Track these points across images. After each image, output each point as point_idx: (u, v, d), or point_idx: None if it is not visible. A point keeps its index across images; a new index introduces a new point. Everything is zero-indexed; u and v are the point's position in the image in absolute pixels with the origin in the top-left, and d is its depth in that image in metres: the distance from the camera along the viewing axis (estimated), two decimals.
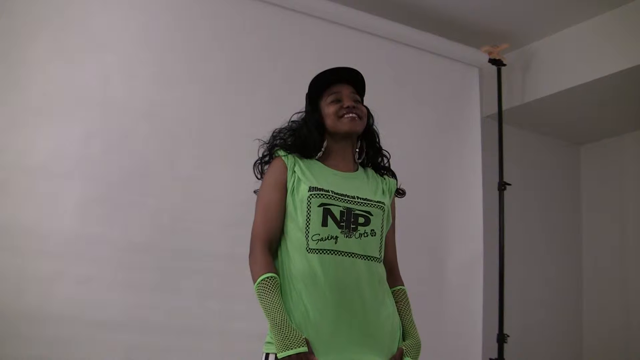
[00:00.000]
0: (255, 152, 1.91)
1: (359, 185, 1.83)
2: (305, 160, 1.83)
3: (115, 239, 2.53)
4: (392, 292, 1.83)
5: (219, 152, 2.80)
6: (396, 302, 1.82)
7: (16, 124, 2.47)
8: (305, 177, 1.77)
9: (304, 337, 1.60)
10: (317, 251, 1.68)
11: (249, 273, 1.71)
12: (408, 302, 1.85)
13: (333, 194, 1.74)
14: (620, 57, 3.42)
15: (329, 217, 1.71)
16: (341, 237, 1.70)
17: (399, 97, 3.35)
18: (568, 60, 3.71)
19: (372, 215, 1.76)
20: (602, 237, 4.38)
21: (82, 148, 2.55)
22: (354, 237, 1.72)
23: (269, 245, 1.73)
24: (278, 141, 1.88)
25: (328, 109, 1.84)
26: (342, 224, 1.71)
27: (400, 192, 1.94)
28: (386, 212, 1.81)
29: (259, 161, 1.90)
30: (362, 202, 1.76)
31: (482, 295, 3.33)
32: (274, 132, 1.90)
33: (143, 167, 2.64)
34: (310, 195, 1.72)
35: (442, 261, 3.34)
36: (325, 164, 1.85)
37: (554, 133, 4.45)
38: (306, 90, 1.92)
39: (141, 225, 2.59)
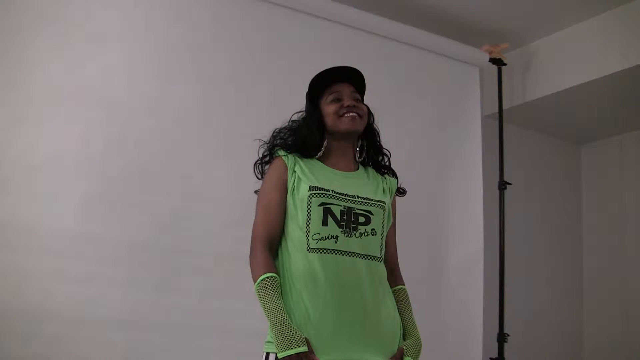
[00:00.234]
0: (256, 150, 1.91)
1: (360, 184, 1.83)
2: (306, 159, 1.83)
3: (116, 238, 2.53)
4: (392, 292, 1.83)
5: (220, 151, 2.80)
6: (397, 302, 1.82)
7: (16, 122, 2.47)
8: (305, 176, 1.77)
9: (304, 336, 1.60)
10: (317, 250, 1.68)
11: (250, 272, 1.71)
12: (409, 301, 1.85)
13: (333, 194, 1.74)
14: (620, 56, 3.42)
15: (329, 216, 1.71)
16: (341, 236, 1.70)
17: (400, 96, 3.35)
18: (568, 60, 3.71)
19: (372, 214, 1.76)
20: (602, 237, 4.38)
21: (82, 147, 2.55)
22: (354, 236, 1.72)
23: (270, 245, 1.74)
24: (278, 141, 1.88)
25: (328, 108, 1.84)
26: (342, 223, 1.71)
27: (400, 191, 1.94)
28: (387, 211, 1.81)
29: (259, 161, 1.90)
30: (362, 202, 1.76)
31: (483, 295, 3.33)
32: (274, 132, 1.90)
33: (144, 166, 2.64)
34: (311, 194, 1.72)
35: (442, 261, 3.34)
36: (325, 164, 1.85)
37: (555, 132, 4.45)
38: (307, 90, 1.92)
39: (142, 224, 2.59)
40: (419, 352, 1.76)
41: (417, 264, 3.03)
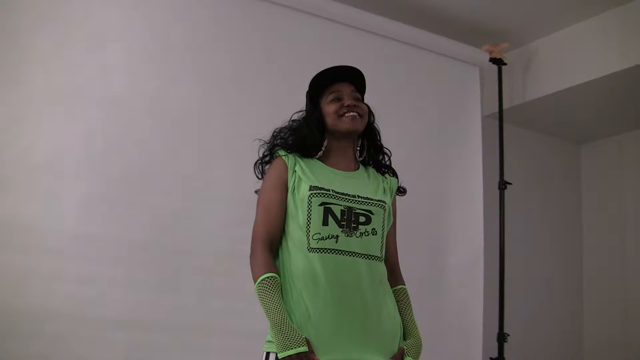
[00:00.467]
0: (256, 150, 1.91)
1: (360, 184, 1.83)
2: (306, 159, 1.83)
3: (116, 237, 2.53)
4: (393, 292, 1.82)
5: (220, 150, 2.80)
6: (397, 302, 1.82)
7: (17, 122, 2.47)
8: (305, 176, 1.77)
9: (304, 336, 1.60)
10: (318, 250, 1.68)
11: (250, 272, 1.71)
12: (409, 301, 1.85)
13: (334, 193, 1.74)
14: (620, 56, 3.42)
15: (329, 216, 1.71)
16: (342, 236, 1.70)
17: (400, 95, 3.35)
18: (569, 60, 3.71)
19: (373, 214, 1.76)
20: (602, 237, 4.38)
21: (83, 146, 2.55)
22: (354, 236, 1.72)
23: (270, 245, 1.73)
24: (278, 141, 1.88)
25: (328, 108, 1.84)
26: (343, 223, 1.71)
27: (401, 191, 1.94)
28: (387, 211, 1.81)
29: (259, 161, 1.90)
30: (362, 201, 1.76)
31: (483, 295, 3.33)
32: (274, 132, 1.90)
33: (144, 165, 2.64)
34: (311, 194, 1.72)
35: (443, 260, 3.34)
36: (325, 163, 1.85)
37: (555, 132, 4.45)
38: (307, 89, 1.92)
39: (142, 224, 2.59)
40: (419, 352, 1.76)
41: (417, 264, 3.03)
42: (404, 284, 1.88)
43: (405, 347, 1.73)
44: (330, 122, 1.83)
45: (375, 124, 1.96)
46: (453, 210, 3.42)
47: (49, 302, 2.37)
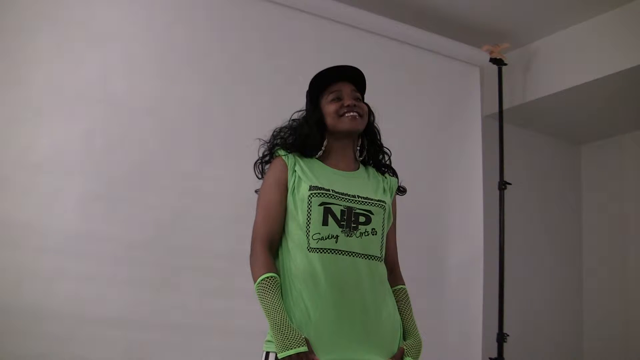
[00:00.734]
0: (256, 150, 1.91)
1: (360, 184, 1.83)
2: (306, 159, 1.84)
3: (116, 236, 2.53)
4: (393, 292, 1.83)
5: (220, 149, 2.80)
6: (397, 302, 1.82)
7: (17, 121, 2.47)
8: (305, 176, 1.77)
9: (304, 336, 1.60)
10: (318, 250, 1.68)
11: (250, 272, 1.71)
12: (409, 301, 1.85)
13: (334, 193, 1.74)
14: (620, 57, 3.42)
15: (329, 216, 1.71)
16: (342, 236, 1.70)
17: (400, 95, 3.35)
18: (569, 60, 3.71)
19: (373, 214, 1.76)
20: (602, 237, 4.38)
21: (83, 145, 2.56)
22: (354, 236, 1.72)
23: (270, 244, 1.74)
24: (278, 140, 1.88)
25: (329, 108, 1.84)
26: (342, 223, 1.72)
27: (401, 190, 1.94)
28: (387, 210, 1.81)
29: (259, 161, 1.90)
30: (362, 201, 1.76)
31: (482, 295, 3.33)
32: (274, 132, 1.90)
33: (144, 164, 2.64)
34: (311, 194, 1.72)
35: (442, 260, 3.34)
36: (325, 163, 1.85)
37: (555, 132, 4.45)
38: (307, 89, 1.92)
39: (142, 223, 2.60)
40: (419, 352, 1.76)
41: (417, 264, 3.03)
42: (404, 284, 1.88)
43: (405, 347, 1.73)
44: (330, 122, 1.83)
45: (375, 124, 1.96)
46: (453, 210, 3.42)
47: (48, 302, 2.37)
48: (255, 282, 1.67)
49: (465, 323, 3.28)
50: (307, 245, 1.69)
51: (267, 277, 1.66)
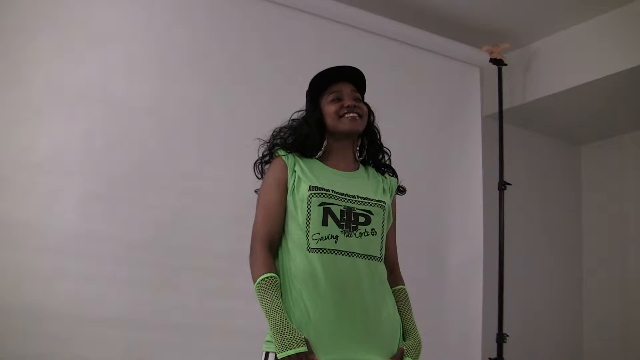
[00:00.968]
0: (256, 150, 1.91)
1: (360, 184, 1.83)
2: (306, 159, 1.84)
3: (116, 236, 2.53)
4: (392, 292, 1.83)
5: (220, 149, 2.80)
6: (397, 302, 1.82)
7: (17, 120, 2.47)
8: (305, 176, 1.77)
9: (303, 336, 1.60)
10: (317, 250, 1.68)
11: (250, 271, 1.71)
12: (409, 301, 1.85)
13: (333, 193, 1.74)
14: (621, 57, 3.42)
15: (329, 216, 1.71)
16: (341, 236, 1.70)
17: (400, 96, 3.35)
18: (569, 60, 3.71)
19: (372, 214, 1.76)
20: (602, 237, 4.38)
21: (83, 145, 2.56)
22: (354, 236, 1.72)
23: (269, 244, 1.74)
24: (278, 140, 1.88)
25: (329, 108, 1.84)
26: (342, 223, 1.71)
27: (400, 190, 1.94)
28: (387, 211, 1.81)
29: (259, 161, 1.90)
30: (362, 201, 1.76)
31: (482, 295, 3.33)
32: (274, 132, 1.90)
33: (144, 164, 2.65)
34: (311, 194, 1.72)
35: (442, 260, 3.34)
36: (325, 163, 1.85)
37: (555, 133, 4.45)
38: (307, 89, 1.92)
39: (142, 223, 2.60)
40: (419, 353, 1.76)
41: (417, 264, 3.04)
42: (404, 284, 1.88)
43: (405, 348, 1.73)
44: (330, 123, 1.83)
45: (375, 124, 1.96)
46: (453, 210, 3.42)
47: (48, 302, 2.37)
48: (254, 282, 1.67)
49: (465, 323, 3.28)
50: (306, 246, 1.69)
51: (267, 277, 1.66)
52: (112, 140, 2.61)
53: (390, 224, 1.85)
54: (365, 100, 1.92)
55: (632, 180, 4.26)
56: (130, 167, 2.62)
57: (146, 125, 2.69)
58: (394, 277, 1.87)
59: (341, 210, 1.73)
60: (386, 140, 1.99)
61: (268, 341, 1.67)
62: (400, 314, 1.80)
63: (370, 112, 1.92)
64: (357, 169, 1.90)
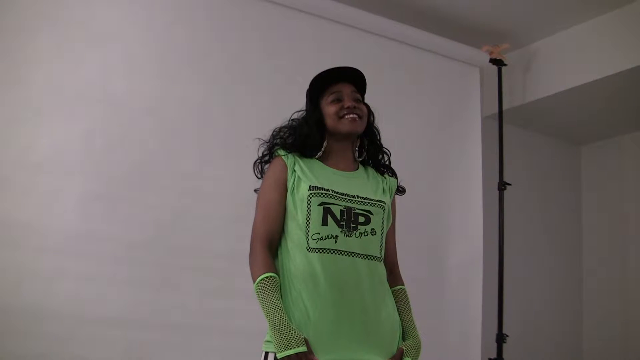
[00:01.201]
0: (256, 150, 1.91)
1: (359, 184, 1.83)
2: (305, 159, 1.84)
3: (116, 236, 2.53)
4: (392, 292, 1.83)
5: (220, 149, 2.81)
6: (396, 302, 1.82)
7: (17, 121, 2.47)
8: (305, 176, 1.77)
9: (303, 336, 1.60)
10: (317, 250, 1.68)
11: (250, 271, 1.71)
12: (408, 301, 1.85)
13: (333, 193, 1.74)
14: (621, 57, 3.42)
15: (329, 216, 1.71)
16: (341, 236, 1.70)
17: (400, 96, 3.35)
18: (569, 61, 3.71)
19: (372, 214, 1.76)
20: (602, 237, 4.38)
21: (83, 145, 2.56)
22: (354, 236, 1.72)
23: (269, 244, 1.74)
24: (278, 140, 1.88)
25: (329, 109, 1.84)
26: (342, 223, 1.72)
27: (400, 190, 1.94)
28: (386, 211, 1.81)
29: (258, 161, 1.90)
30: (362, 201, 1.76)
31: (482, 295, 3.34)
32: (274, 131, 1.90)
33: (144, 164, 2.65)
34: (311, 194, 1.72)
35: (442, 260, 3.34)
36: (325, 163, 1.85)
37: (555, 133, 4.45)
38: (307, 89, 1.92)
39: (142, 223, 2.60)
40: (419, 353, 1.76)
41: (417, 264, 3.04)
42: (403, 284, 1.88)
43: (404, 348, 1.73)
44: (330, 123, 1.83)
45: (375, 124, 1.96)
46: (453, 210, 3.42)
47: (48, 302, 2.37)
48: (254, 281, 1.67)
49: (464, 323, 3.29)
50: (306, 245, 1.69)
51: (267, 277, 1.66)
52: (112, 140, 2.61)
53: (389, 224, 1.85)
54: (365, 101, 1.92)
55: (632, 180, 4.26)
56: (130, 167, 2.62)
57: (146, 125, 2.69)
58: (394, 277, 1.87)
59: (341, 210, 1.73)
60: (386, 140, 1.99)
61: (268, 341, 1.67)
62: (399, 314, 1.80)
63: (370, 113, 1.92)
64: (357, 169, 1.90)
